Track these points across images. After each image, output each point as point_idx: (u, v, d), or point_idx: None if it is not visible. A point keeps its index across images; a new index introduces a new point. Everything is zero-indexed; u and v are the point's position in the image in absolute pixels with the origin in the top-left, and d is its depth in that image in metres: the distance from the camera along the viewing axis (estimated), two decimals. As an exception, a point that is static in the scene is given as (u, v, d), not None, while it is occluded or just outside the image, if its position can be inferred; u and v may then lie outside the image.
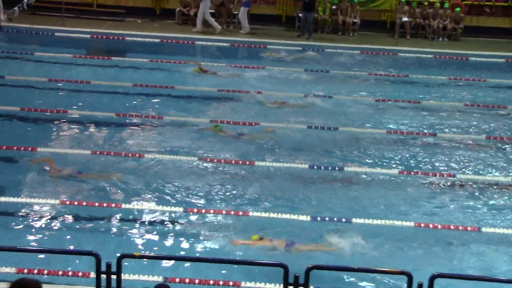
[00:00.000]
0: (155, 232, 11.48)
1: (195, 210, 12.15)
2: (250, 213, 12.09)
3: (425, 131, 16.55)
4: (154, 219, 11.87)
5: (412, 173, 14.17)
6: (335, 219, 12.10)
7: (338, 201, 13.00)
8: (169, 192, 12.85)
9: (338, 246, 11.17)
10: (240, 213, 12.11)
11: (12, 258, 9.91)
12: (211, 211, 12.15)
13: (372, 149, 15.37)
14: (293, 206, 12.61)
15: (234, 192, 13.06)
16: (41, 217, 11.66)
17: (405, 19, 25.46)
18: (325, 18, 25.79)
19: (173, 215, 12.03)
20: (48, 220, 11.61)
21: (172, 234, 11.48)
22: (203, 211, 12.16)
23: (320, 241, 11.35)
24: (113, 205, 12.13)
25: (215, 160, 14.19)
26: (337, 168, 14.18)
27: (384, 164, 14.65)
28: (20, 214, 11.74)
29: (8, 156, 13.91)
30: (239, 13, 25.10)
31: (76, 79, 18.69)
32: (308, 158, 14.70)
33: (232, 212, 12.13)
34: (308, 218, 12.06)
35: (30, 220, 11.57)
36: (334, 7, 25.69)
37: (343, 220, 12.05)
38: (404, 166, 14.53)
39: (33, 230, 11.32)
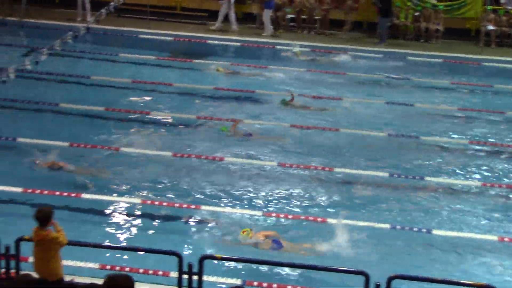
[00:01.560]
0: (232, 235, 11.51)
1: (273, 215, 12.18)
2: (328, 220, 12.03)
3: (510, 142, 16.15)
4: (231, 222, 11.91)
5: (496, 185, 13.84)
6: (415, 229, 11.92)
7: (418, 211, 12.79)
8: (248, 195, 12.92)
9: (417, 256, 11.04)
10: (319, 219, 12.07)
11: (96, 254, 10.14)
12: (290, 216, 12.14)
13: (454, 159, 15.11)
14: (372, 215, 12.48)
15: (313, 198, 13.03)
16: (122, 215, 11.91)
17: (490, 27, 24.90)
18: (407, 24, 25.49)
19: (251, 219, 12.07)
20: (129, 219, 11.84)
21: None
22: (282, 215, 12.17)
23: (400, 249, 11.21)
24: (193, 206, 12.26)
25: (294, 165, 14.19)
26: (417, 178, 13.98)
27: (467, 174, 14.37)
28: (104, 211, 12.00)
29: (92, 154, 14.24)
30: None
31: (159, 81, 19.01)
32: (388, 166, 14.55)
33: (310, 218, 12.09)
34: (388, 226, 11.93)
35: (112, 218, 11.83)
36: (417, 13, 25.35)
37: (423, 230, 11.86)
38: (488, 178, 14.22)
39: (115, 227, 11.56)
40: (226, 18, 25.07)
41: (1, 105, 16.36)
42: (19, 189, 12.30)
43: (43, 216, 8.52)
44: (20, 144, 14.34)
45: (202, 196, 12.75)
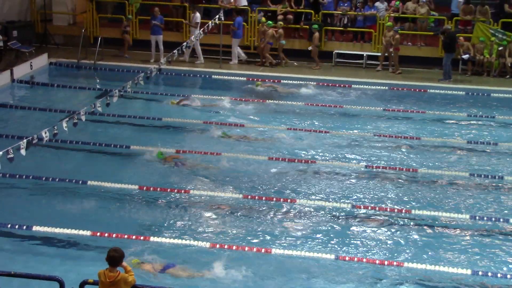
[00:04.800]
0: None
1: (353, 259, 12.05)
2: (405, 264, 11.86)
3: None
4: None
5: None
6: (499, 275, 11.61)
7: (503, 256, 12.46)
8: (329, 238, 12.87)
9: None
10: (395, 263, 11.90)
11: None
12: (364, 260, 11.99)
13: None
14: (453, 259, 12.25)
15: (396, 241, 12.89)
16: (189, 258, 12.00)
17: None
18: (491, 61, 25.02)
19: (333, 265, 12.00)
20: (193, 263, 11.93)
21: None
22: (356, 259, 12.04)
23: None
24: (262, 250, 12.27)
25: (370, 207, 14.05)
26: (501, 220, 13.64)
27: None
28: (170, 255, 12.13)
29: (163, 197, 14.46)
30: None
31: (232, 122, 19.29)
32: (469, 207, 14.29)
33: (386, 262, 11.93)
34: (469, 271, 11.66)
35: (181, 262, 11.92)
36: (501, 48, 24.85)
37: (508, 276, 11.54)
38: None
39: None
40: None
41: (71, 147, 16.85)
42: (87, 233, 12.57)
43: (115, 257, 8.76)
44: (90, 187, 14.69)
45: (273, 238, 12.80)
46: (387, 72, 25.31)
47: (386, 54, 25.44)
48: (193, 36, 22.32)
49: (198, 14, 26.02)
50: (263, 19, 25.94)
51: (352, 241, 12.86)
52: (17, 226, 12.73)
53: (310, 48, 25.95)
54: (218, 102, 21.16)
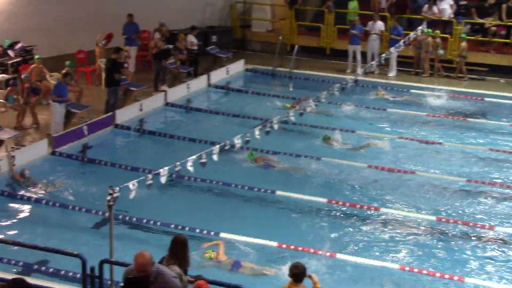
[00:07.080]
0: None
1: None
2: None
3: None
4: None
5: None
6: None
7: None
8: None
9: None
10: None
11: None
12: None
13: None
14: None
15: None
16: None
17: None
18: None
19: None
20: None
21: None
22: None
23: None
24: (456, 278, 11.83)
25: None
26: None
27: None
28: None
29: (352, 211, 14.37)
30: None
31: (423, 139, 18.87)
32: None
33: None
34: None
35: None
36: None
37: None
38: None
39: None
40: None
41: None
42: (274, 243, 12.69)
43: (299, 272, 8.88)
44: (280, 198, 14.86)
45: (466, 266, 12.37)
46: None
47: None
48: (393, 48, 21.91)
49: (380, 22, 25.82)
50: (421, 27, 25.12)
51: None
52: (205, 231, 13.05)
53: (458, 59, 25.12)
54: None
